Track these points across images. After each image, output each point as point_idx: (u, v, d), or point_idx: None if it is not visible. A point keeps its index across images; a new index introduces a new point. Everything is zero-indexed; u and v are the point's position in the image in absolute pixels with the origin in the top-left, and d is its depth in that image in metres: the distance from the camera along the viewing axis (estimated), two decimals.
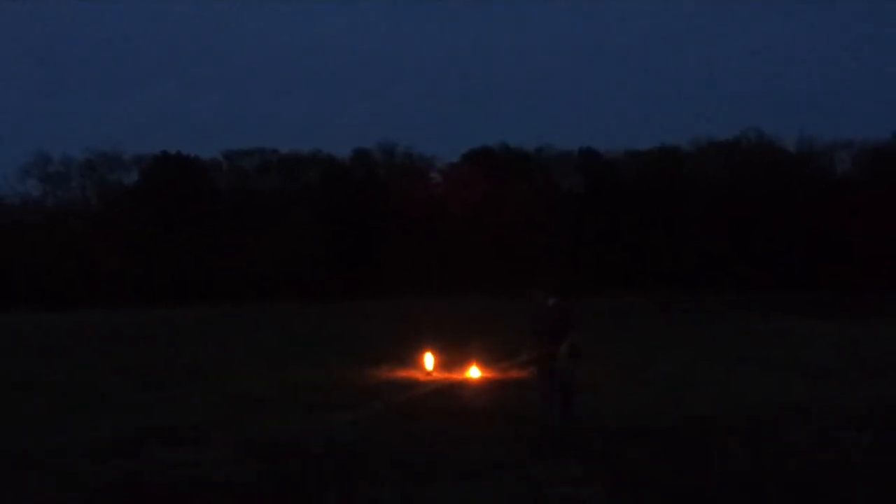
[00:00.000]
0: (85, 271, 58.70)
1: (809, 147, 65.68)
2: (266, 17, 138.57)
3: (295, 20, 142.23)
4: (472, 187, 61.52)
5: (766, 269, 58.43)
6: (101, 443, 8.18)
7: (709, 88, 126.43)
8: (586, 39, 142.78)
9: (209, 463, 7.25)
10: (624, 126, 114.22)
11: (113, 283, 57.80)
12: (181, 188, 62.55)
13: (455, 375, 13.19)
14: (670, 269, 59.77)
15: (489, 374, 13.13)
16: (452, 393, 11.54)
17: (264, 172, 68.85)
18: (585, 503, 5.91)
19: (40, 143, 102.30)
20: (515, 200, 61.68)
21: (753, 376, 12.88)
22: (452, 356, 14.80)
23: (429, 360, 14.18)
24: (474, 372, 13.09)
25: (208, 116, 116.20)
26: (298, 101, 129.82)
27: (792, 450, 7.52)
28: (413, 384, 12.40)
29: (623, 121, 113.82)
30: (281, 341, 21.45)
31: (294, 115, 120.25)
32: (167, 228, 60.70)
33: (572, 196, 66.49)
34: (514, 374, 12.80)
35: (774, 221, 59.50)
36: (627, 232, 61.89)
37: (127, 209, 62.47)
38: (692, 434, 8.29)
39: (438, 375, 13.38)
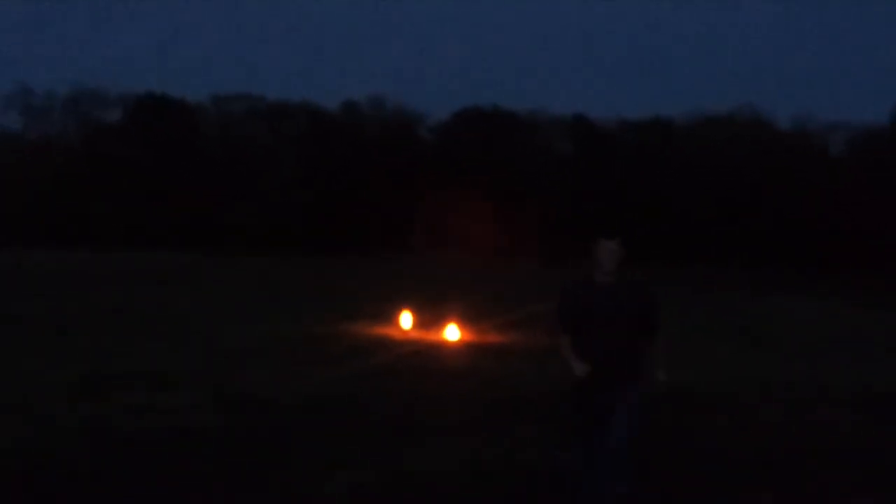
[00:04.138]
0: (67, 210, 57.86)
1: (804, 127, 65.65)
2: None
3: None
4: (462, 146, 61.07)
5: (757, 245, 58.78)
6: (71, 385, 8.10)
7: (706, 62, 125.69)
8: (585, 7, 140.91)
9: (183, 410, 7.21)
10: (617, 95, 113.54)
11: (96, 224, 57.11)
12: (167, 129, 61.60)
13: (433, 335, 13.18)
14: (658, 242, 59.87)
15: (467, 336, 13.13)
16: (430, 353, 11.54)
17: (251, 119, 67.91)
18: (561, 466, 5.94)
19: (23, 75, 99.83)
20: (505, 162, 61.36)
21: (735, 351, 13.00)
22: (432, 315, 14.80)
23: (407, 318, 14.17)
24: (453, 332, 13.07)
25: (195, 59, 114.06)
26: (289, 50, 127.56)
27: (766, 426, 7.59)
28: (391, 343, 12.38)
29: (616, 90, 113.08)
30: (262, 293, 21.33)
31: (284, 63, 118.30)
32: (151, 170, 59.89)
33: (562, 161, 66.11)
34: (492, 337, 12.79)
35: (766, 198, 59.64)
36: (617, 201, 61.76)
37: (111, 148, 61.44)
38: (667, 406, 8.32)
39: (417, 334, 13.37)
